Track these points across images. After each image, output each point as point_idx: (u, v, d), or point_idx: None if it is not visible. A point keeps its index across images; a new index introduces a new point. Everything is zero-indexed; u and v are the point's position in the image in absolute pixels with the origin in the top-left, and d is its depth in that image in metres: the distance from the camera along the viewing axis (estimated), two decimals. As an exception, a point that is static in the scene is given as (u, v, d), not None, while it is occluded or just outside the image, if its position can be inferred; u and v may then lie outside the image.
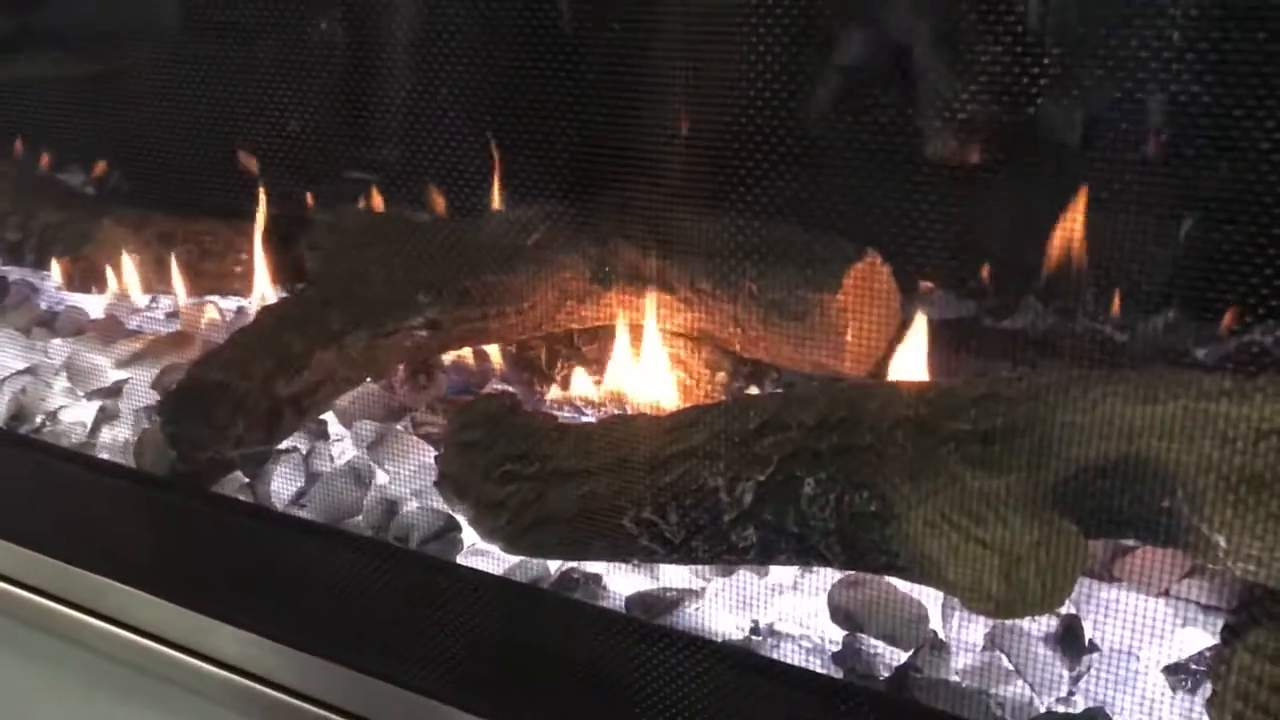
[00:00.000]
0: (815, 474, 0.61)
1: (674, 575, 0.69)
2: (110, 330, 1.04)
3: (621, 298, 0.81)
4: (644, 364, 0.82)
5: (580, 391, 0.86)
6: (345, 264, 0.82)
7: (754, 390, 0.81)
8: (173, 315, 1.08)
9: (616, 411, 0.85)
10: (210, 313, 1.04)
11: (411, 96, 0.81)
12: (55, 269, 1.14)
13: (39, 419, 0.91)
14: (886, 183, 0.71)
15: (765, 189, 0.76)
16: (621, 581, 0.69)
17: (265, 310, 0.81)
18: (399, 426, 0.84)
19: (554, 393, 0.88)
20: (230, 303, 1.08)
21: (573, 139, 0.80)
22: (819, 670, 0.61)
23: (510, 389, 0.89)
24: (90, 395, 0.93)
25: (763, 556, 0.63)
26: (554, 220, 0.80)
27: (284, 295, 0.94)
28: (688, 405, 0.75)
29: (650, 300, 0.80)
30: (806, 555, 0.62)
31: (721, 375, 0.80)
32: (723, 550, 0.64)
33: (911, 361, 0.69)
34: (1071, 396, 0.58)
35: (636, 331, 0.82)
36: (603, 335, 0.86)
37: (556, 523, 0.67)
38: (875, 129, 0.73)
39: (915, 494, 0.58)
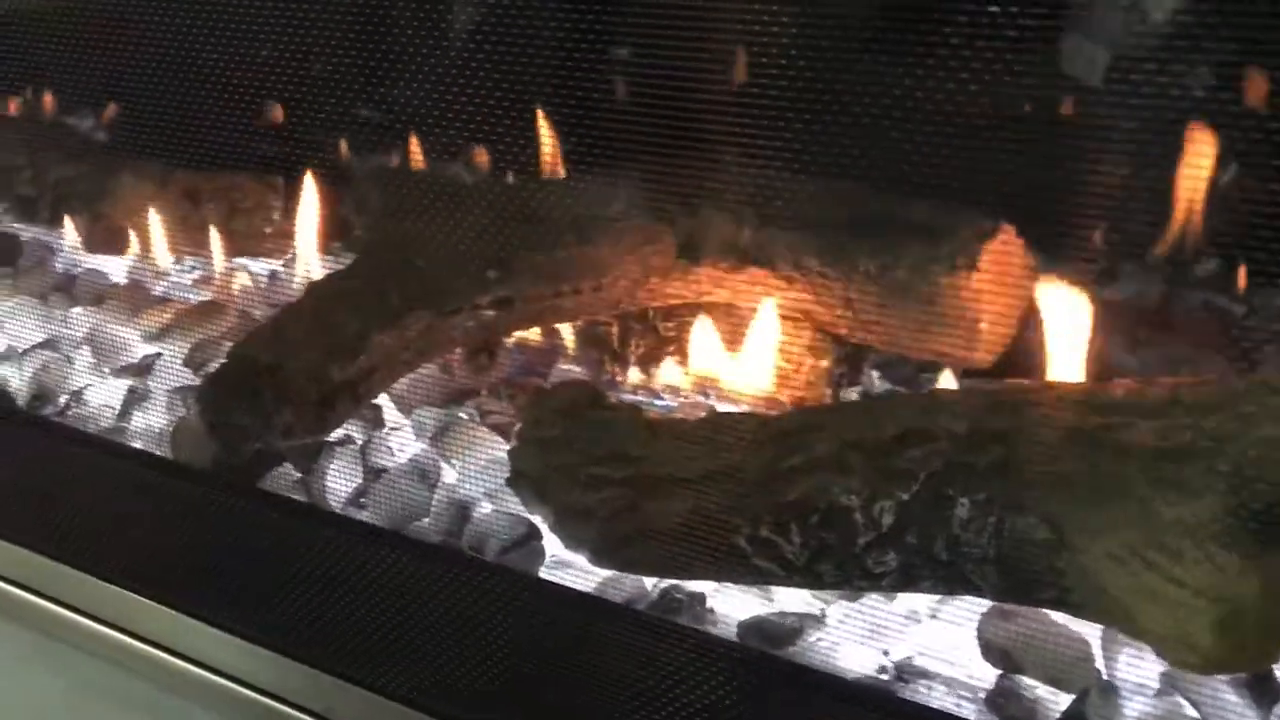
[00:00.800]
0: (971, 494, 0.52)
1: (787, 596, 0.61)
2: (135, 297, 0.96)
3: (712, 274, 0.72)
4: (734, 348, 0.74)
5: (659, 377, 0.78)
6: (402, 233, 0.73)
7: (857, 384, 0.73)
8: (201, 281, 0.99)
9: (697, 400, 0.77)
10: (243, 279, 0.95)
11: (477, 33, 0.71)
12: (71, 228, 1.05)
13: (63, 399, 0.83)
14: (1028, 137, 0.63)
15: (883, 152, 0.67)
16: (730, 603, 0.61)
17: (316, 285, 0.73)
18: (463, 414, 0.75)
19: (627, 377, 0.79)
20: (259, 266, 0.99)
21: (662, 91, 0.71)
22: (972, 718, 0.53)
23: (580, 373, 0.81)
24: (117, 372, 0.85)
25: (901, 583, 0.55)
26: (638, 186, 0.71)
27: (332, 266, 0.85)
28: (805, 404, 0.67)
29: (746, 277, 0.71)
30: (955, 584, 0.54)
31: (825, 362, 0.71)
32: (855, 575, 0.56)
33: (1064, 356, 0.61)
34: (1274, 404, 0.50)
35: (726, 311, 0.74)
36: (686, 314, 0.77)
37: (655, 536, 0.59)
38: (1012, 78, 0.64)
39: (1096, 522, 0.50)
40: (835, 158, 0.70)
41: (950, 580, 0.54)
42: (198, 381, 0.80)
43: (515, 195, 0.73)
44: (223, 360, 0.78)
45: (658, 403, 0.79)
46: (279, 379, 0.69)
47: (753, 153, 0.71)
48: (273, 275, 0.97)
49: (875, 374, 0.76)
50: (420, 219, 0.72)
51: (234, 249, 0.98)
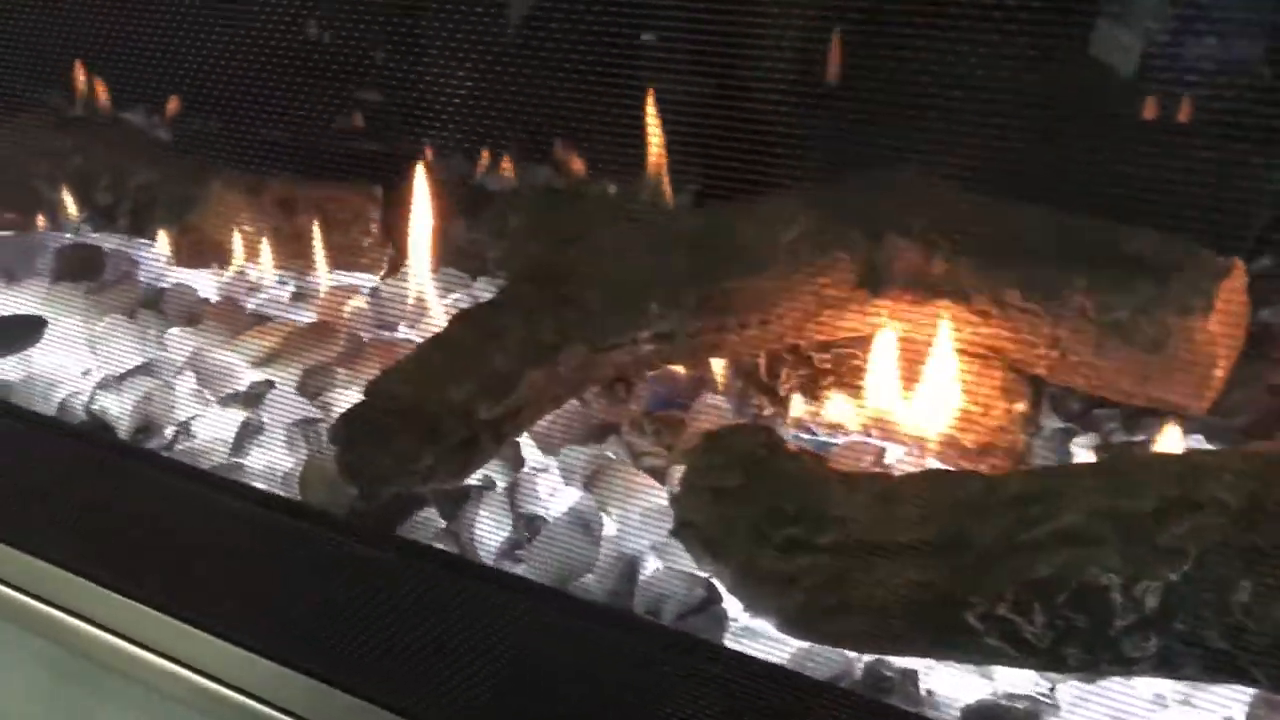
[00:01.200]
0: (1255, 576, 0.46)
1: (1009, 676, 0.55)
2: (231, 316, 0.90)
3: (895, 307, 0.66)
4: (911, 386, 0.68)
5: (819, 414, 0.72)
6: (552, 259, 0.68)
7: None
8: (299, 297, 0.94)
9: (861, 440, 0.71)
10: (342, 297, 0.90)
11: (634, 46, 0.65)
12: (159, 239, 1.00)
13: (170, 432, 0.78)
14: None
15: (1102, 175, 0.61)
16: (943, 682, 0.55)
17: (461, 317, 0.67)
18: (610, 454, 0.70)
19: (783, 413, 0.74)
20: (355, 282, 0.94)
21: (843, 107, 0.65)
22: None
23: (726, 407, 0.75)
24: (225, 402, 0.79)
25: (1157, 669, 0.50)
26: (818, 211, 0.65)
27: (445, 286, 0.80)
28: (1036, 466, 0.61)
29: (933, 310, 0.65)
30: (1225, 673, 0.48)
31: (1020, 406, 0.65)
32: (1104, 660, 0.50)
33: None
34: None
35: (905, 346, 0.68)
36: (846, 346, 0.71)
37: (869, 610, 0.54)
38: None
39: None
40: (1037, 181, 0.64)
41: (1219, 669, 0.48)
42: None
43: (680, 221, 0.67)
44: (337, 388, 0.73)
45: (805, 436, 0.74)
46: (423, 417, 0.64)
47: (946, 173, 0.65)
48: (375, 293, 0.92)
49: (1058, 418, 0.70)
50: (577, 246, 0.67)
51: (339, 264, 0.92)
